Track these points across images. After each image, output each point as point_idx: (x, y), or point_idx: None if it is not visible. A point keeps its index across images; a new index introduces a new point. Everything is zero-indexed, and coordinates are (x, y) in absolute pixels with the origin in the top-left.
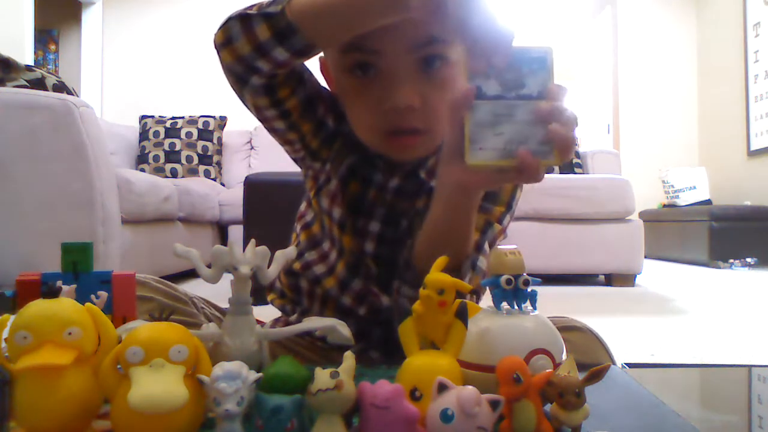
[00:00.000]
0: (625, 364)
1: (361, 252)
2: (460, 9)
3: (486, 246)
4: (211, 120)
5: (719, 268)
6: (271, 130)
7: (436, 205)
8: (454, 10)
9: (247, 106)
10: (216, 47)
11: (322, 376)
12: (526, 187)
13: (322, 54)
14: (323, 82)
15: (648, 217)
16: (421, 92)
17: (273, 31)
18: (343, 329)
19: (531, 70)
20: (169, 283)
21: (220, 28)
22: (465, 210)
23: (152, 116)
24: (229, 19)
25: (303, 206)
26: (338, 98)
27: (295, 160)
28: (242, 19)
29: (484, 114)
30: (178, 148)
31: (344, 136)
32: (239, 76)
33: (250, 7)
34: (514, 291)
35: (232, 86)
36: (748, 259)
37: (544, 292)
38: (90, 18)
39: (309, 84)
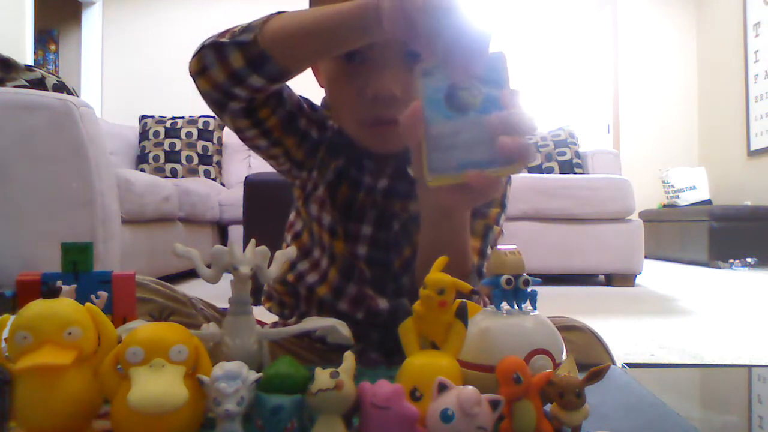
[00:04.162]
0: (625, 364)
1: (354, 256)
2: (432, 23)
3: (488, 250)
4: (211, 120)
5: (719, 268)
6: (254, 148)
7: (425, 227)
8: (426, 25)
9: (227, 125)
10: (192, 75)
11: (322, 376)
12: (526, 186)
13: None
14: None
15: (648, 217)
16: (405, 84)
17: (246, 59)
18: (343, 329)
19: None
20: (168, 284)
21: (194, 56)
22: (455, 229)
23: (152, 116)
24: (203, 47)
25: (292, 216)
26: (323, 87)
27: (281, 172)
28: (216, 47)
29: (438, 131)
30: (178, 148)
31: (327, 143)
32: (217, 102)
33: (223, 34)
34: (514, 291)
35: (211, 110)
36: (748, 259)
37: (544, 292)
38: (90, 18)
39: (289, 101)
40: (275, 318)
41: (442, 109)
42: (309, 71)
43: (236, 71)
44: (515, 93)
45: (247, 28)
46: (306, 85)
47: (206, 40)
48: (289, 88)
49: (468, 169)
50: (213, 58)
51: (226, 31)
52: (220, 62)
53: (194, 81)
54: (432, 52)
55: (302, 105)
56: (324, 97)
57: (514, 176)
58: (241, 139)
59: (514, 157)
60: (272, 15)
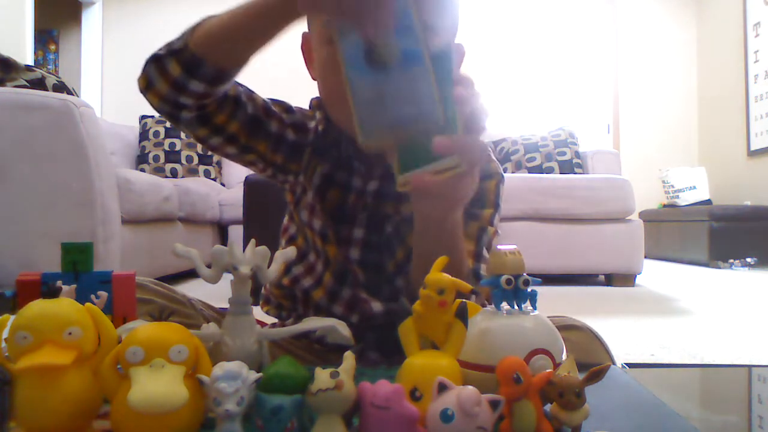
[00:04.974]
0: (625, 364)
1: (347, 260)
2: None
3: (484, 252)
4: None
5: (719, 268)
6: (226, 156)
7: (416, 236)
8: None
9: (189, 136)
10: (141, 92)
11: (322, 376)
12: (526, 186)
13: (306, 30)
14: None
15: (648, 217)
16: None
17: (182, 66)
18: (343, 329)
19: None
20: (167, 285)
21: (141, 73)
22: (446, 236)
23: (152, 116)
24: (146, 63)
25: (286, 220)
26: (316, 79)
27: (267, 178)
28: (155, 60)
29: (362, 89)
30: (178, 148)
31: (312, 146)
32: (169, 114)
33: (162, 48)
34: (514, 291)
35: (169, 122)
36: (748, 259)
37: (544, 292)
38: (90, 18)
39: (252, 104)
40: (275, 319)
41: (363, 67)
42: (302, 67)
43: (176, 80)
44: (469, 84)
45: (180, 36)
46: (302, 85)
47: (149, 57)
48: (252, 92)
49: (400, 125)
50: (155, 71)
51: (165, 45)
52: (161, 74)
53: (144, 97)
54: (341, 11)
55: (270, 108)
56: (312, 99)
57: (514, 176)
58: (209, 149)
59: (468, 112)
60: (202, 19)
